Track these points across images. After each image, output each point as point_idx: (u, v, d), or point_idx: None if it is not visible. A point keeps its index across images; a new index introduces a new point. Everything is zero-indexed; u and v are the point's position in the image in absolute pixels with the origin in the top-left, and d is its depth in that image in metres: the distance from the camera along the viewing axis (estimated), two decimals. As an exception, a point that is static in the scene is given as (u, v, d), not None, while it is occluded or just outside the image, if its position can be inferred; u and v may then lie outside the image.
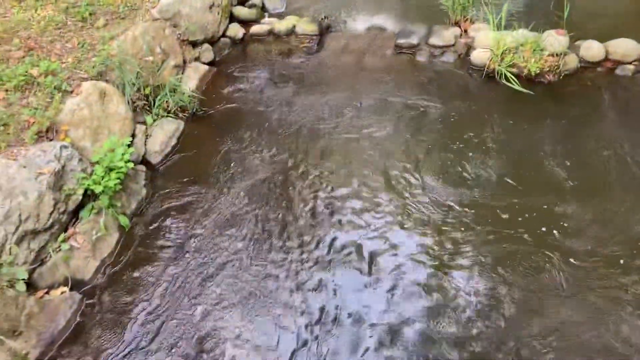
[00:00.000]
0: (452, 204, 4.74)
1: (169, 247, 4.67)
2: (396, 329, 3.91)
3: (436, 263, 4.31)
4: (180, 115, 5.92)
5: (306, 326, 3.98)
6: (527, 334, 3.79)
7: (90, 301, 4.30)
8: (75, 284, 4.35)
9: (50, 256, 4.30)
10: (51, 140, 4.67)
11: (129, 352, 3.95)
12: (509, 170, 4.99)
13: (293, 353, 3.83)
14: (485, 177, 4.95)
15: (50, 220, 4.32)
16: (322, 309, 4.07)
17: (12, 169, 4.27)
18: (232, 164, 5.38)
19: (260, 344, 3.91)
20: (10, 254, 3.99)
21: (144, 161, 5.42)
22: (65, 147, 4.60)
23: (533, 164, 5.04)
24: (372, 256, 4.40)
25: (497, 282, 4.13)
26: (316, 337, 3.90)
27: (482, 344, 3.77)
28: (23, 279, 3.98)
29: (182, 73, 6.30)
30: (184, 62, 6.42)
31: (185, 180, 5.27)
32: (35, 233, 4.23)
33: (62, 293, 4.24)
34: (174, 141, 5.66)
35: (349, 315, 4.02)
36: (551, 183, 4.85)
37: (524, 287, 4.08)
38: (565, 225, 4.47)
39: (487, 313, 3.95)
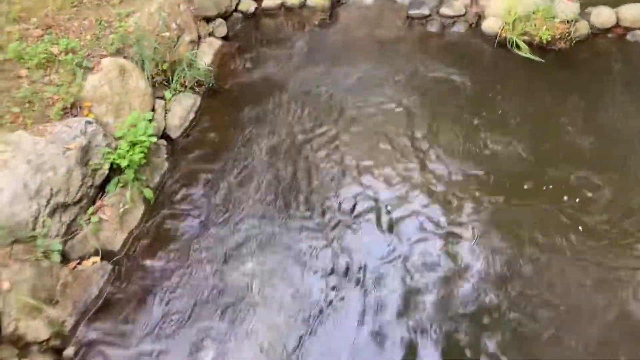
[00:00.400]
0: (469, 172, 4.85)
1: (192, 216, 4.81)
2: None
3: (452, 226, 4.47)
4: (197, 90, 6.00)
5: (329, 280, 4.22)
6: (534, 296, 3.97)
7: (121, 271, 4.45)
8: (105, 255, 4.49)
9: (81, 229, 4.45)
10: (75, 116, 4.78)
11: (159, 318, 4.12)
12: (526, 140, 5.07)
13: (318, 305, 4.07)
14: (501, 147, 5.04)
15: (79, 194, 4.46)
16: (343, 266, 4.29)
17: (40, 144, 4.39)
18: (249, 136, 5.48)
19: (285, 302, 4.11)
20: (43, 226, 4.14)
21: (164, 135, 5.52)
22: (90, 122, 4.71)
23: (550, 133, 5.13)
24: (390, 216, 4.58)
25: (513, 247, 4.27)
26: (338, 291, 4.13)
27: (488, 304, 3.96)
28: (58, 250, 4.13)
29: (197, 48, 6.37)
30: (199, 37, 6.49)
31: (204, 153, 5.39)
32: (65, 206, 4.37)
33: (93, 264, 4.39)
34: (192, 115, 5.76)
35: (372, 272, 4.22)
36: (569, 152, 4.93)
37: (540, 252, 4.22)
38: (589, 195, 4.57)
39: (497, 276, 4.11)
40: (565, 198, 4.54)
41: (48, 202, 4.22)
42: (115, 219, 4.61)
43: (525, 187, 4.68)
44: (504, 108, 5.43)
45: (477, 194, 4.66)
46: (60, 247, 4.16)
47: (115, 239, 4.58)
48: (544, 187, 4.64)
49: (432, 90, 5.75)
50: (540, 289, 3.99)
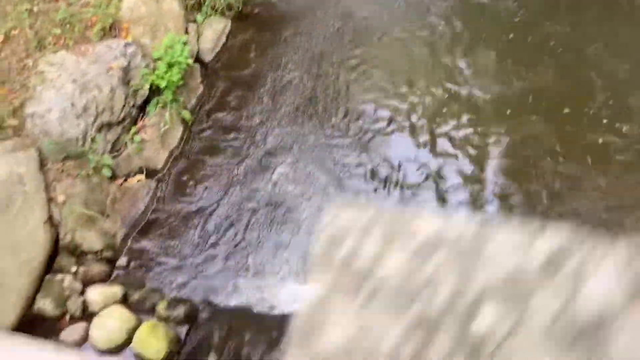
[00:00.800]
0: (507, 93, 4.88)
1: (229, 136, 4.93)
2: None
3: (484, 140, 4.61)
4: (227, 14, 6.00)
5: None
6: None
7: (164, 187, 4.64)
8: (149, 173, 4.66)
9: (125, 147, 4.60)
10: (115, 37, 4.85)
11: (202, 230, 4.36)
12: (564, 65, 5.02)
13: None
14: (539, 71, 4.98)
15: (123, 114, 4.59)
16: (377, 174, 4.52)
17: (83, 65, 4.49)
18: (281, 58, 5.50)
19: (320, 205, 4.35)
20: (93, 142, 4.29)
21: (197, 59, 5.57)
22: (129, 44, 4.78)
23: (588, 59, 5.02)
24: (425, 129, 4.76)
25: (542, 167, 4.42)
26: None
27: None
28: (109, 165, 4.31)
29: (225, -29, 6.31)
30: (226, -41, 6.42)
31: (238, 75, 5.43)
32: (110, 125, 4.51)
33: (138, 181, 4.57)
34: (223, 39, 5.77)
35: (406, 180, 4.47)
36: (607, 79, 4.85)
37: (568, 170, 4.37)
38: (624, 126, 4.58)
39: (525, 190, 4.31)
40: (605, 121, 4.58)
41: (95, 120, 4.37)
42: (157, 139, 4.75)
43: (565, 111, 4.71)
44: (541, 32, 5.31)
45: (509, 112, 4.73)
46: (111, 162, 4.33)
47: (158, 158, 4.73)
48: (585, 109, 4.65)
49: (465, 14, 5.67)
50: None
